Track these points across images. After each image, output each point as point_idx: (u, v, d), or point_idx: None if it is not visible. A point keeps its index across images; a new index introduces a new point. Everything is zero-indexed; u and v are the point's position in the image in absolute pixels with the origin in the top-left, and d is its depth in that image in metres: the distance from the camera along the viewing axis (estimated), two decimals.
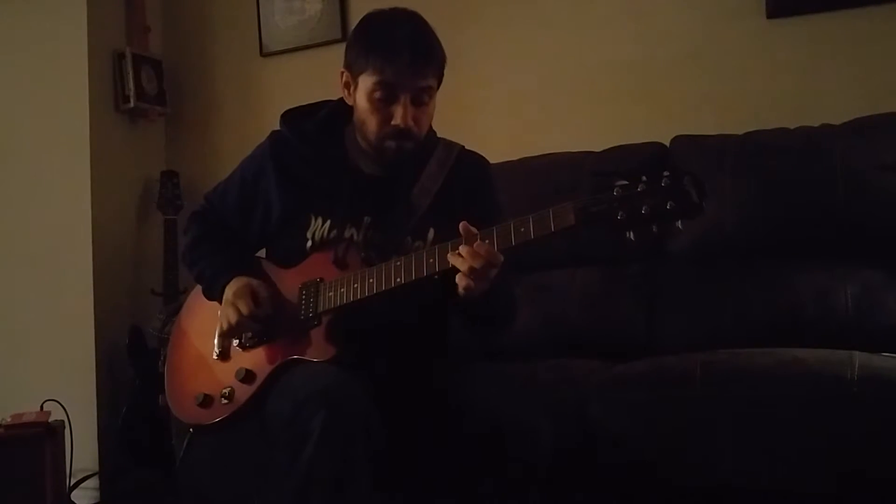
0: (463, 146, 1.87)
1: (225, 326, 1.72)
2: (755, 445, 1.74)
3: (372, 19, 1.75)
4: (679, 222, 1.40)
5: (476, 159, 1.88)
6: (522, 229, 1.49)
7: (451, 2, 3.05)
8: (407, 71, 1.65)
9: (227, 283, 1.76)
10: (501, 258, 1.51)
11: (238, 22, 3.45)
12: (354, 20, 2.00)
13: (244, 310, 1.69)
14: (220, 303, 1.76)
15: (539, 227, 1.47)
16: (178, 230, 3.16)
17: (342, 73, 1.75)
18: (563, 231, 1.46)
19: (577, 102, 2.88)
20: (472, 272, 1.49)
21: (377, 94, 1.68)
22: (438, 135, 1.87)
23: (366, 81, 1.69)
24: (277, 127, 1.87)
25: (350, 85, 1.74)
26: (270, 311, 1.72)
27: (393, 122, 1.68)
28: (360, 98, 1.71)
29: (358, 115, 1.74)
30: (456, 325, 1.82)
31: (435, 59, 1.70)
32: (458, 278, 1.52)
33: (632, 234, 1.42)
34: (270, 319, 1.72)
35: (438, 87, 1.74)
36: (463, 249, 1.50)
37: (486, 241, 1.51)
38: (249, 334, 1.74)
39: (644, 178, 1.41)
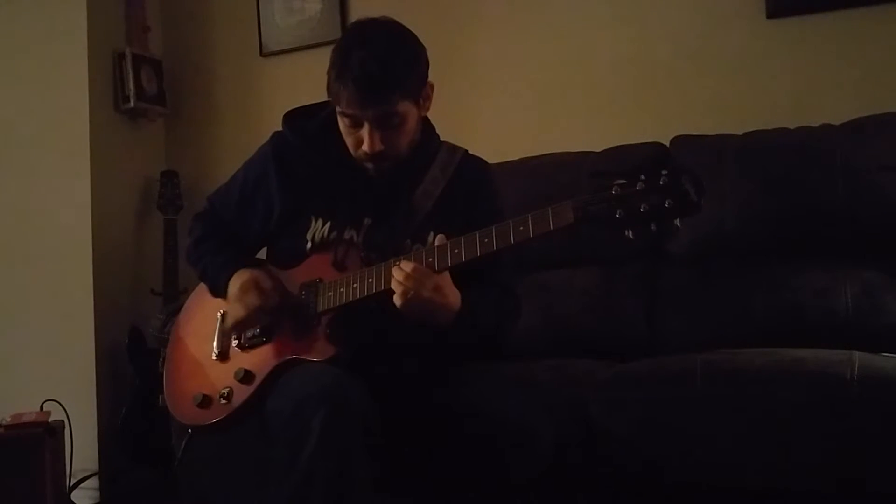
0: (466, 150, 1.86)
1: (230, 323, 1.72)
2: (755, 445, 1.74)
3: (341, 40, 1.72)
4: (677, 220, 1.40)
5: (478, 164, 1.88)
6: (521, 228, 1.49)
7: (451, 2, 3.06)
8: (358, 105, 1.63)
9: (230, 277, 1.76)
10: (431, 278, 1.54)
11: (238, 22, 3.45)
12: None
13: (252, 302, 1.69)
14: (225, 299, 1.77)
15: (538, 226, 1.48)
16: (179, 230, 3.16)
17: None
18: (562, 230, 1.46)
19: (577, 102, 2.88)
20: (401, 288, 1.54)
21: (344, 121, 1.68)
22: (441, 137, 1.87)
23: (337, 106, 1.69)
24: (277, 127, 1.87)
25: None
26: (277, 300, 1.71)
27: (362, 148, 1.68)
28: (339, 118, 1.72)
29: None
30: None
31: (392, 86, 1.63)
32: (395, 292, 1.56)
33: (630, 232, 1.42)
34: (278, 309, 1.71)
35: (420, 100, 1.71)
36: (403, 265, 1.55)
37: (456, 251, 1.54)
38: (249, 334, 1.74)
39: (642, 176, 1.41)
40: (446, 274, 1.59)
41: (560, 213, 1.46)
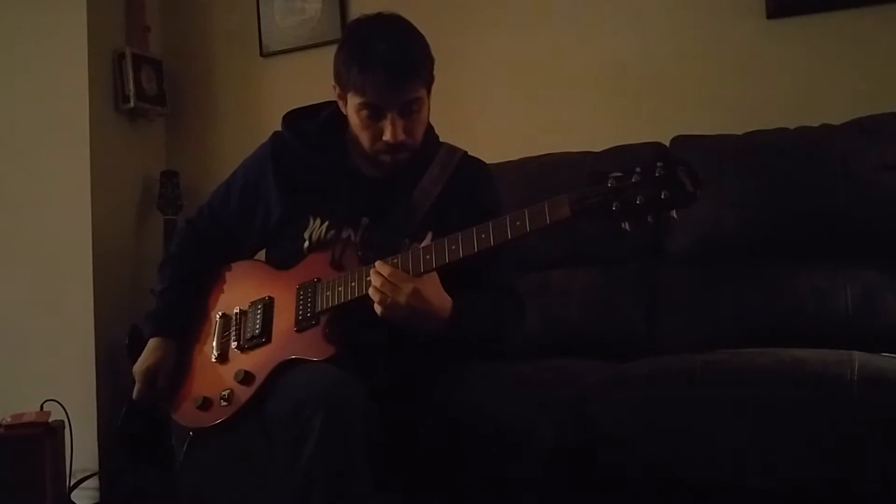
0: (465, 152, 1.86)
1: (135, 394, 1.84)
2: (755, 445, 1.74)
3: (352, 34, 1.74)
4: (674, 212, 1.40)
5: (478, 166, 1.88)
6: (518, 223, 1.49)
7: (450, 2, 3.05)
8: (387, 91, 1.64)
9: (152, 336, 1.85)
10: (409, 283, 1.54)
11: (238, 22, 3.45)
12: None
13: (135, 391, 1.82)
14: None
15: (535, 220, 1.48)
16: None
17: (334, 85, 1.75)
18: (559, 223, 1.46)
19: (577, 102, 2.88)
20: (377, 292, 1.55)
21: (364, 113, 1.68)
22: (440, 138, 1.87)
23: (352, 100, 1.69)
24: (277, 127, 1.88)
25: (342, 97, 1.74)
26: (165, 386, 1.82)
27: (384, 138, 1.68)
28: (351, 114, 1.72)
29: (351, 128, 1.75)
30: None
31: (416, 71, 1.67)
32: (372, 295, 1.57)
33: (627, 224, 1.42)
34: (163, 393, 1.82)
35: (430, 89, 1.74)
36: (379, 269, 1.57)
37: (454, 247, 1.54)
38: (248, 335, 1.74)
39: (638, 169, 1.42)
40: (432, 277, 1.58)
41: (556, 206, 1.46)
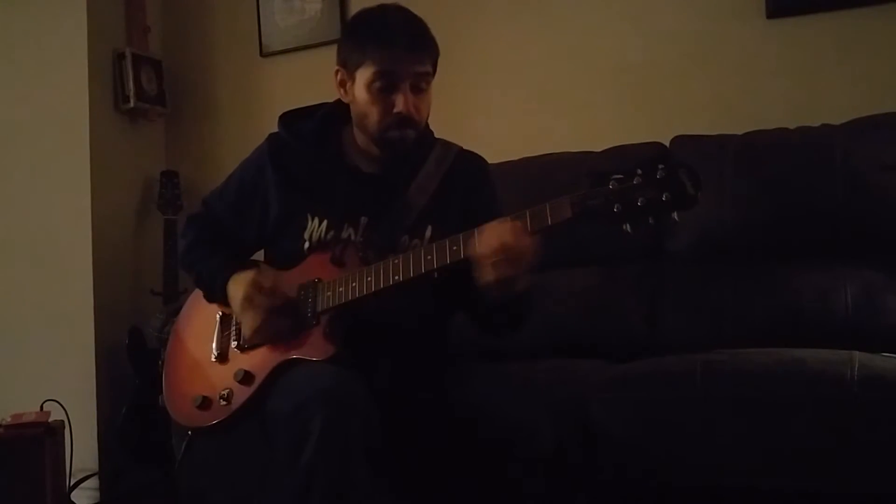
0: (461, 147, 1.87)
1: (248, 333, 1.70)
2: (755, 445, 1.74)
3: (362, 15, 1.77)
4: (675, 214, 1.40)
5: (474, 159, 1.89)
6: (520, 223, 1.49)
7: (451, 2, 3.06)
8: (405, 56, 1.66)
9: (226, 283, 1.75)
10: (528, 244, 1.46)
11: (238, 22, 3.45)
12: None
13: (262, 305, 1.67)
14: (225, 304, 1.76)
15: (536, 221, 1.48)
16: (178, 230, 3.15)
17: (336, 71, 1.76)
18: (560, 224, 1.46)
19: (577, 102, 2.88)
20: (499, 262, 1.46)
21: (377, 85, 1.68)
22: (437, 135, 1.87)
23: (364, 74, 1.69)
24: (277, 127, 1.87)
25: (346, 82, 1.75)
26: (284, 296, 1.69)
27: (395, 110, 1.68)
28: (360, 91, 1.71)
29: (358, 108, 1.74)
30: (461, 324, 1.82)
31: (430, 45, 1.72)
32: (483, 270, 1.48)
33: (628, 226, 1.42)
34: (287, 303, 1.69)
35: (433, 76, 1.75)
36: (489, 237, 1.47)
37: (455, 248, 1.51)
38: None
39: (639, 170, 1.42)
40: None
41: (558, 207, 1.46)
